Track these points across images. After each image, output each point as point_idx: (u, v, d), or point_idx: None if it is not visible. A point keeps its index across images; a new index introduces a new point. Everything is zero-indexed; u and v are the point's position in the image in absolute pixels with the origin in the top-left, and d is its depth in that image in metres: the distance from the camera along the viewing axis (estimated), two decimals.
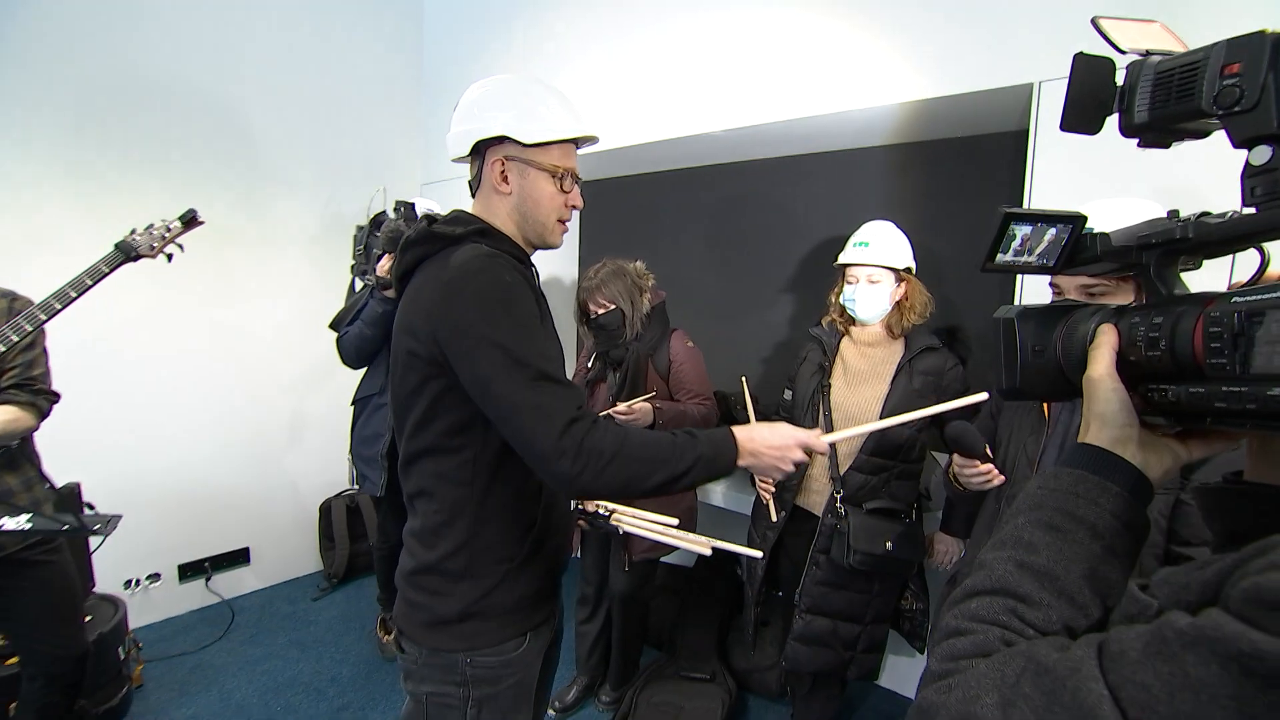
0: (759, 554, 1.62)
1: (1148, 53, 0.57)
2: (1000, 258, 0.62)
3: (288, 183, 3.04)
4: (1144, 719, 0.37)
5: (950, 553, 1.79)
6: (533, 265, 1.15)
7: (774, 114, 2.24)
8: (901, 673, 2.34)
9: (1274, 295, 0.43)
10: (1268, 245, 0.52)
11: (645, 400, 1.97)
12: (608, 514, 1.38)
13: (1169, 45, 0.57)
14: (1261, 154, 0.49)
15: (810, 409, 1.80)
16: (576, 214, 1.29)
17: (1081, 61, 0.58)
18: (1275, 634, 0.33)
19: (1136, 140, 0.58)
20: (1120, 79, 0.58)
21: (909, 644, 1.81)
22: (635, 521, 1.39)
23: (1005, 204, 0.62)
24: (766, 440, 1.02)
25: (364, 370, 2.44)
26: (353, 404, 2.48)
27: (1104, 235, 0.60)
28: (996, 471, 1.28)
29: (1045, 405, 1.30)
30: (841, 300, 1.80)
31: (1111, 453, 0.52)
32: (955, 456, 1.33)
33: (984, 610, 0.50)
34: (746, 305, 2.79)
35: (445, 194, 3.21)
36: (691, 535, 1.34)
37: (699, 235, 2.92)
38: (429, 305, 0.98)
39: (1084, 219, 0.60)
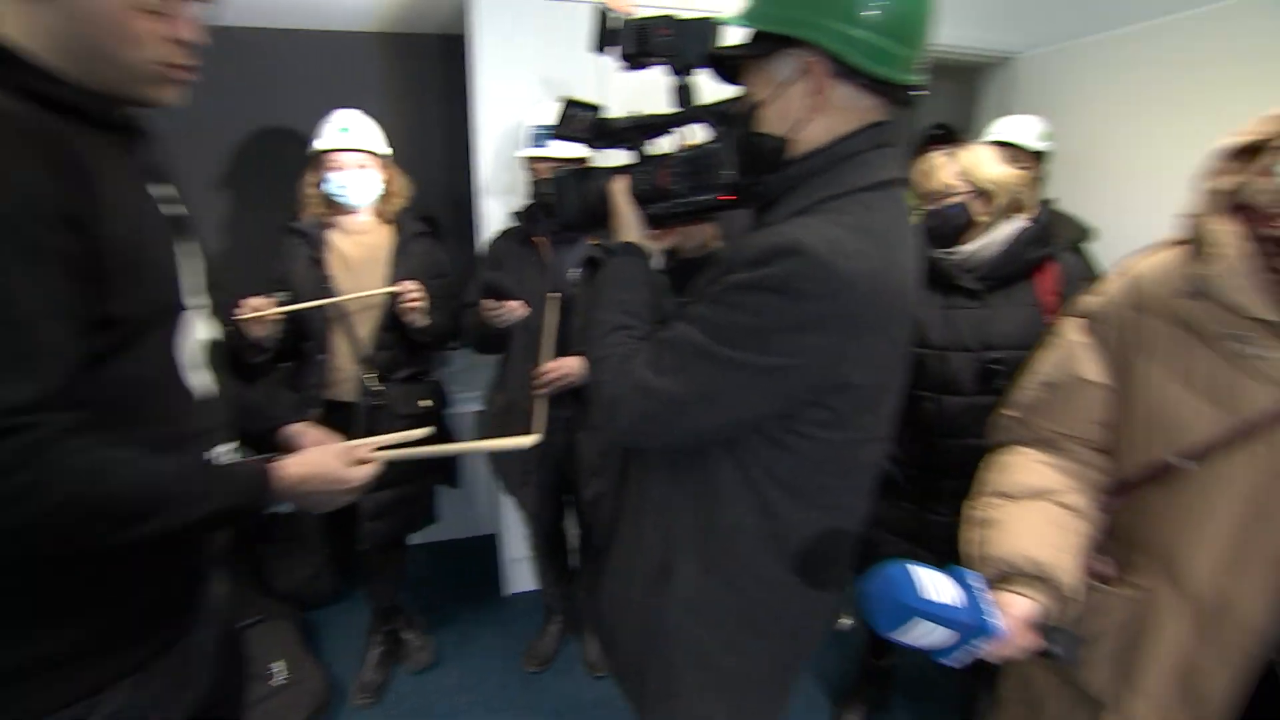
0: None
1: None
2: (562, 130, 0.94)
3: None
4: (718, 330, 0.76)
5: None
6: (127, 127, 0.77)
7: None
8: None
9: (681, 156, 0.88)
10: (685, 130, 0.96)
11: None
12: None
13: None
14: (676, 80, 0.92)
15: None
16: None
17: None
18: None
19: (627, 64, 0.93)
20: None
21: (448, 485, 2.14)
22: None
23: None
24: (313, 473, 0.81)
25: None
26: None
27: (613, 120, 0.96)
28: (522, 305, 1.67)
29: (543, 254, 1.78)
30: (325, 189, 1.79)
31: (640, 245, 0.94)
32: (486, 301, 1.65)
33: (616, 339, 0.86)
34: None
35: None
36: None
37: None
38: None
39: (602, 108, 0.95)
